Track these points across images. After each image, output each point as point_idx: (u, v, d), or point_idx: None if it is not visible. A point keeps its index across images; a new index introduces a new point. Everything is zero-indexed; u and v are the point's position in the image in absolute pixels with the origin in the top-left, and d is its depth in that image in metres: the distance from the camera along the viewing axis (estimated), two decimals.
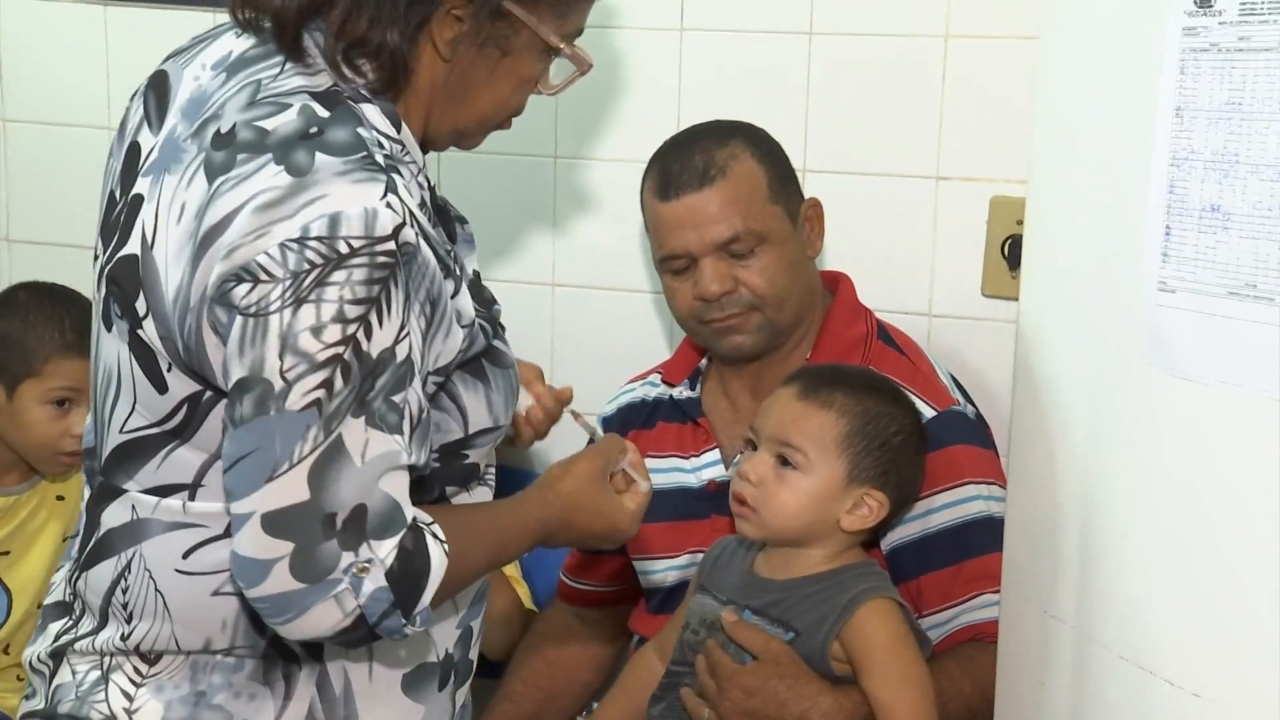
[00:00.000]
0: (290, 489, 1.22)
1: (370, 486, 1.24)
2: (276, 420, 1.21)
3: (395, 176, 1.27)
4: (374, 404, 1.24)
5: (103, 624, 1.40)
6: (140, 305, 1.33)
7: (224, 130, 1.30)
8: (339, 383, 1.22)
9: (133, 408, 1.36)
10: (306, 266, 1.21)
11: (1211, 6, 1.27)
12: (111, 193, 1.42)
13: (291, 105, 1.29)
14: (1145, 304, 1.34)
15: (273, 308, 1.21)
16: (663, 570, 2.01)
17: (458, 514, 1.41)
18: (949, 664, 1.79)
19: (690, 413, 2.04)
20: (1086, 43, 1.45)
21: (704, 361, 2.07)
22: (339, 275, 1.22)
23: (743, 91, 2.23)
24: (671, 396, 2.07)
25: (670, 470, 2.02)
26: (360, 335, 1.23)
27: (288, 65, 1.34)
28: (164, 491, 1.36)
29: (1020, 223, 1.70)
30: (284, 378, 1.21)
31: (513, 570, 2.29)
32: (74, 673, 1.42)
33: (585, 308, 2.36)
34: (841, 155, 2.23)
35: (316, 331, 1.21)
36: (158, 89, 1.43)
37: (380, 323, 1.24)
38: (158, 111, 1.41)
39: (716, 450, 2.02)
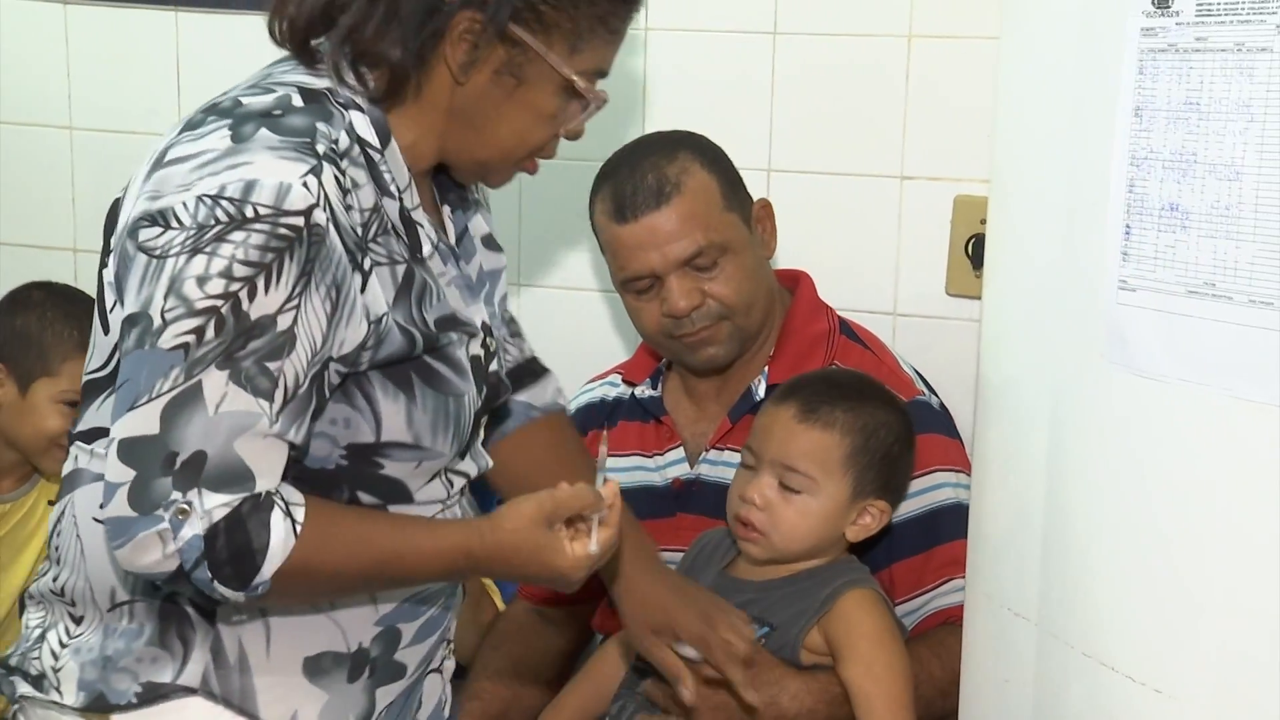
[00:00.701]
0: (144, 420, 1.28)
1: (216, 436, 1.28)
2: (148, 355, 1.28)
3: (329, 166, 1.32)
4: (242, 363, 1.29)
5: (47, 569, 1.50)
6: (111, 244, 1.40)
7: (217, 101, 1.39)
8: (210, 333, 1.28)
9: (92, 351, 1.45)
10: (212, 222, 1.28)
11: (1169, 7, 1.28)
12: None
13: (275, 91, 1.37)
14: (1106, 302, 1.35)
15: (172, 252, 1.29)
16: None
17: (349, 511, 1.42)
18: (918, 648, 1.81)
19: (653, 411, 2.05)
20: (1046, 43, 1.46)
21: (664, 361, 2.08)
22: (238, 235, 1.28)
23: (707, 91, 2.24)
24: (634, 395, 2.07)
25: (633, 469, 2.02)
26: (243, 295, 1.28)
27: (299, 65, 1.43)
28: (93, 436, 1.43)
29: (984, 222, 1.71)
30: (163, 317, 1.28)
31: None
32: (27, 624, 1.52)
33: (546, 308, 2.36)
34: (806, 155, 2.24)
35: (201, 281, 1.28)
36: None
37: (266, 289, 1.29)
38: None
39: (681, 448, 2.02)
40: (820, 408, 1.73)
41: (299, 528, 1.31)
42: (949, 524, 1.87)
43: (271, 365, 1.29)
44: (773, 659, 1.71)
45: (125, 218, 1.36)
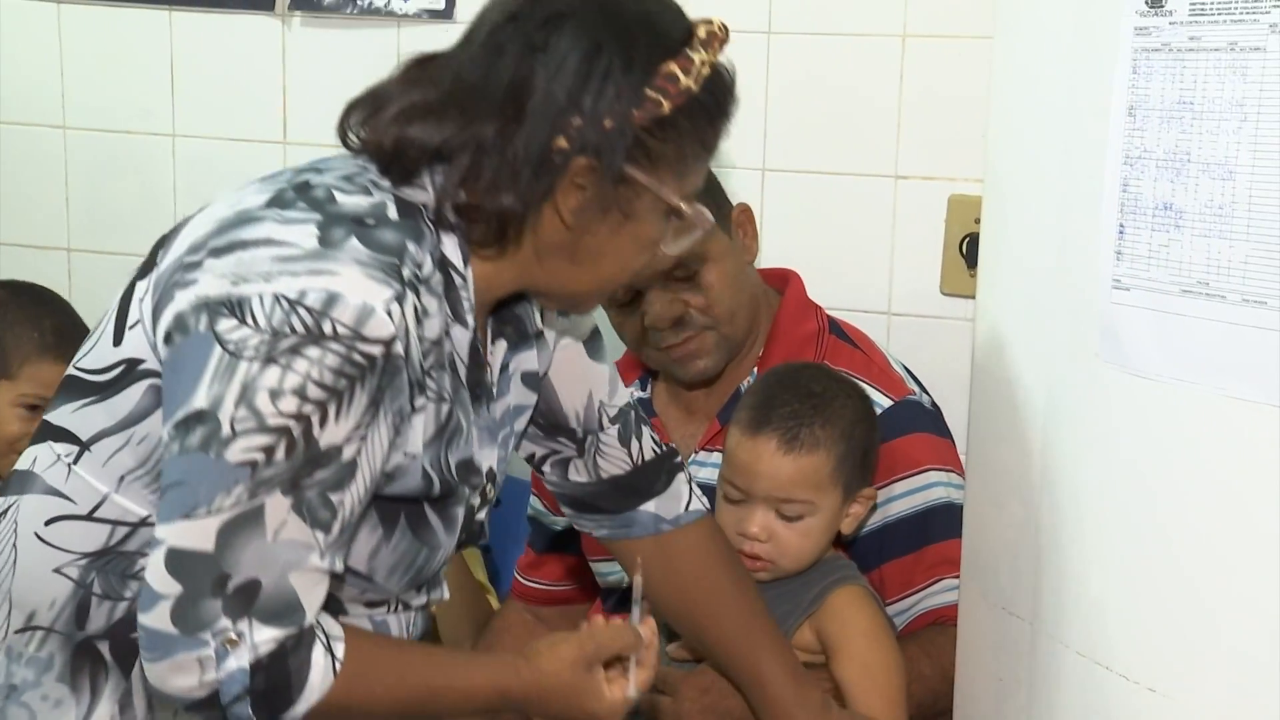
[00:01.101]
0: (199, 535, 1.23)
1: (272, 566, 1.24)
2: (213, 464, 1.23)
3: (411, 294, 1.28)
4: (307, 491, 1.25)
5: None
6: (155, 262, 1.35)
7: (311, 182, 1.33)
8: (279, 454, 1.23)
9: (90, 350, 1.39)
10: (288, 330, 1.23)
11: (1162, 7, 1.28)
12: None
13: (372, 196, 1.32)
14: (1100, 301, 1.35)
15: (245, 354, 1.23)
16: (619, 571, 2.01)
17: (387, 645, 1.39)
18: (909, 647, 1.80)
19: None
20: (1040, 43, 1.46)
21: None
22: (314, 352, 1.23)
23: None
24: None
25: None
26: (315, 419, 1.24)
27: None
28: (61, 435, 1.37)
29: (978, 221, 1.72)
30: (233, 426, 1.23)
31: (481, 575, 2.28)
32: None
33: None
34: (800, 154, 2.24)
35: (275, 396, 1.23)
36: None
37: (337, 417, 1.25)
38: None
39: None
40: (800, 432, 1.70)
41: (338, 665, 1.28)
42: (940, 523, 1.87)
43: (333, 497, 1.26)
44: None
45: (194, 277, 1.28)
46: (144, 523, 1.35)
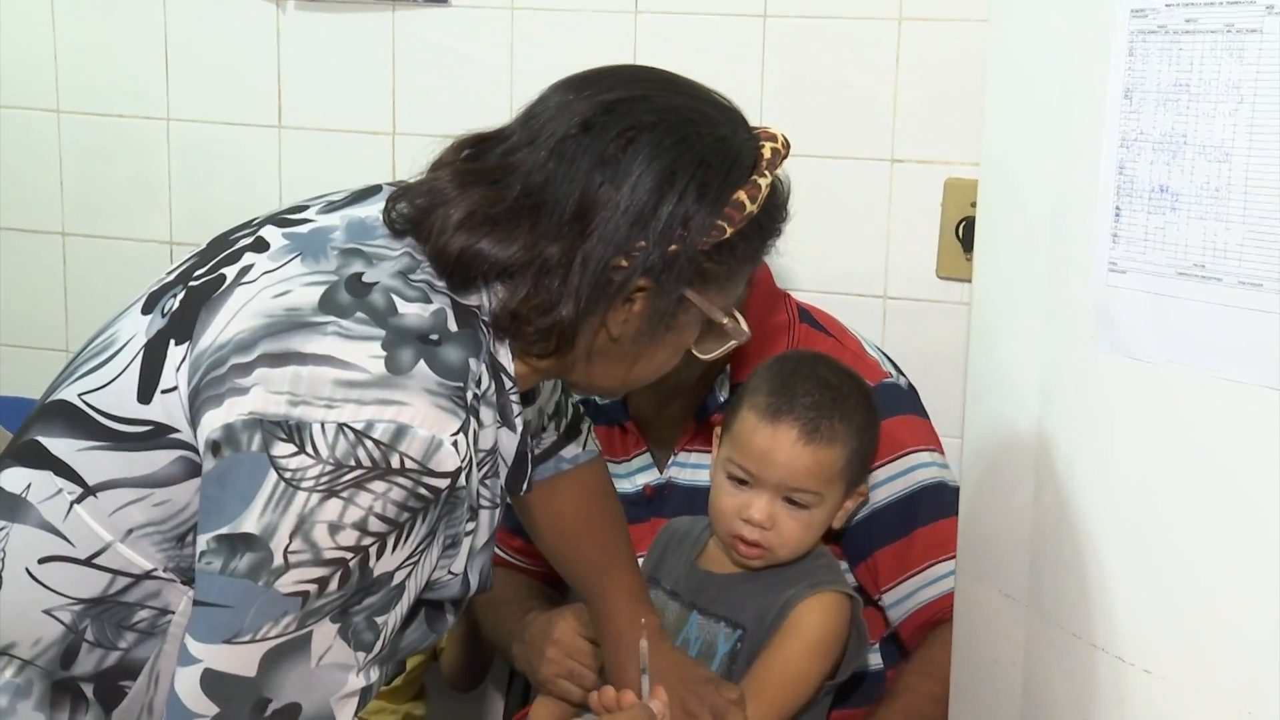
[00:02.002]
0: (241, 661, 1.21)
1: (314, 691, 1.23)
2: (261, 593, 1.20)
3: (474, 420, 1.26)
4: (354, 618, 1.24)
5: None
6: (193, 328, 1.29)
7: (366, 279, 1.27)
8: (333, 585, 1.21)
9: (105, 385, 1.32)
10: (352, 462, 1.19)
11: None
12: (250, 220, 1.40)
13: (432, 303, 1.28)
14: (1096, 284, 1.35)
15: (304, 484, 1.19)
16: None
17: None
18: (908, 678, 1.81)
19: (615, 417, 2.01)
20: (1036, 25, 1.46)
21: None
22: (378, 486, 1.20)
23: (697, 74, 2.23)
24: (595, 400, 2.02)
25: None
26: (373, 550, 1.22)
27: None
28: (63, 470, 1.30)
29: (974, 205, 1.71)
30: (286, 558, 1.19)
31: None
32: None
33: None
34: (795, 138, 2.21)
35: (334, 530, 1.20)
36: (362, 192, 1.42)
37: (394, 547, 1.23)
38: (339, 204, 1.40)
39: (647, 454, 2.00)
40: (821, 425, 1.69)
41: None
42: (928, 505, 1.86)
43: (379, 619, 1.25)
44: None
45: (226, 318, 1.25)
46: (149, 575, 1.30)
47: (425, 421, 1.21)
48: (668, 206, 1.30)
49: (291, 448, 1.19)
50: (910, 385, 1.98)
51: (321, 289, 1.26)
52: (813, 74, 2.21)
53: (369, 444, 1.20)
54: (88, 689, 1.33)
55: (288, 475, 1.19)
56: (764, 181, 1.36)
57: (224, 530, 1.21)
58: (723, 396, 1.93)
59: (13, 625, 1.32)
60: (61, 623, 1.31)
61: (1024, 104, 1.50)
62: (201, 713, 1.22)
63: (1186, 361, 1.28)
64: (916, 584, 1.86)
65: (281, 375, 1.21)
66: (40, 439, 1.33)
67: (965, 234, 2.16)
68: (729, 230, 1.33)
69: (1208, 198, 1.24)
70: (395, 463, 1.20)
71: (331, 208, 1.39)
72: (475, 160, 1.36)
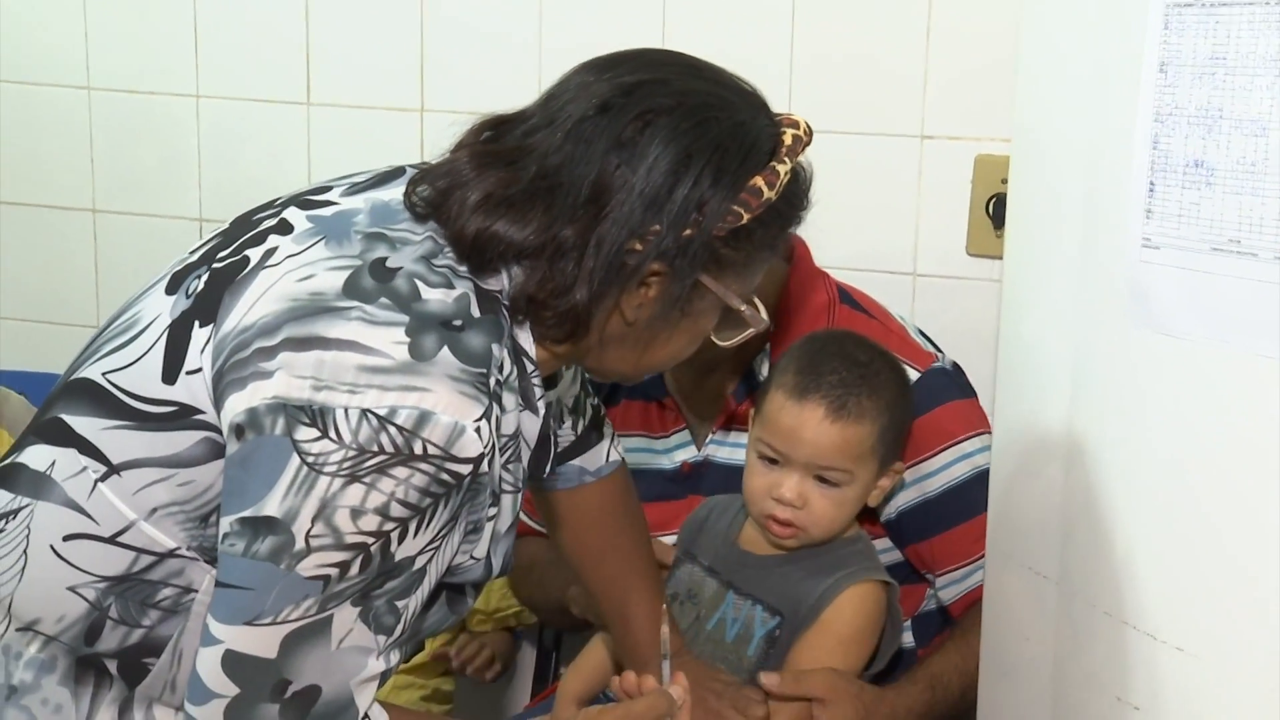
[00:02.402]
0: (262, 642, 1.22)
1: (333, 673, 1.24)
2: (283, 576, 1.20)
3: (496, 406, 1.25)
4: (375, 601, 1.24)
5: None
6: (217, 310, 1.28)
7: (390, 264, 1.27)
8: (354, 569, 1.21)
9: (129, 365, 1.32)
10: (375, 448, 1.19)
11: None
12: (272, 202, 1.40)
13: (455, 288, 1.27)
14: (1129, 261, 1.34)
15: (327, 469, 1.19)
16: None
17: None
18: (950, 655, 1.80)
19: (654, 393, 2.00)
20: None
21: None
22: (401, 472, 1.20)
23: (726, 50, 2.22)
24: None
25: (639, 450, 1.99)
26: (394, 535, 1.22)
27: None
28: (87, 449, 1.30)
29: (1005, 181, 1.70)
30: (308, 541, 1.20)
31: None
32: None
33: None
34: (826, 114, 2.20)
35: (355, 515, 1.20)
36: (385, 174, 1.41)
37: (416, 532, 1.23)
38: (363, 186, 1.39)
39: (686, 430, 1.99)
40: (848, 402, 1.68)
41: None
42: (984, 492, 1.85)
43: (400, 603, 1.25)
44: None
45: (249, 303, 1.24)
46: (172, 554, 1.30)
47: (448, 408, 1.21)
48: (683, 190, 1.29)
49: (315, 432, 1.19)
50: (955, 365, 1.97)
51: (346, 274, 1.26)
52: (842, 49, 2.20)
53: (392, 429, 1.19)
54: (111, 665, 1.34)
55: (310, 459, 1.19)
56: (783, 168, 1.34)
57: (247, 513, 1.21)
58: (763, 375, 1.92)
59: (37, 602, 1.32)
60: (86, 600, 1.31)
61: (1057, 78, 1.48)
62: (222, 693, 1.22)
63: (1220, 338, 1.27)
64: (974, 566, 1.85)
65: (305, 360, 1.21)
66: (64, 416, 1.33)
67: (996, 211, 2.15)
68: (745, 216, 1.32)
69: (1244, 172, 1.23)
70: (418, 449, 1.20)
71: (355, 190, 1.38)
72: (494, 142, 1.35)
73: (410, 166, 1.42)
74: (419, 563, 1.25)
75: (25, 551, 1.32)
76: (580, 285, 1.29)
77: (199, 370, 1.27)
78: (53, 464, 1.32)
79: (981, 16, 2.12)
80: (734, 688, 1.67)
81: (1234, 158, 1.23)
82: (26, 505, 1.32)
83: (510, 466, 1.34)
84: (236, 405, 1.23)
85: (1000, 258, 1.69)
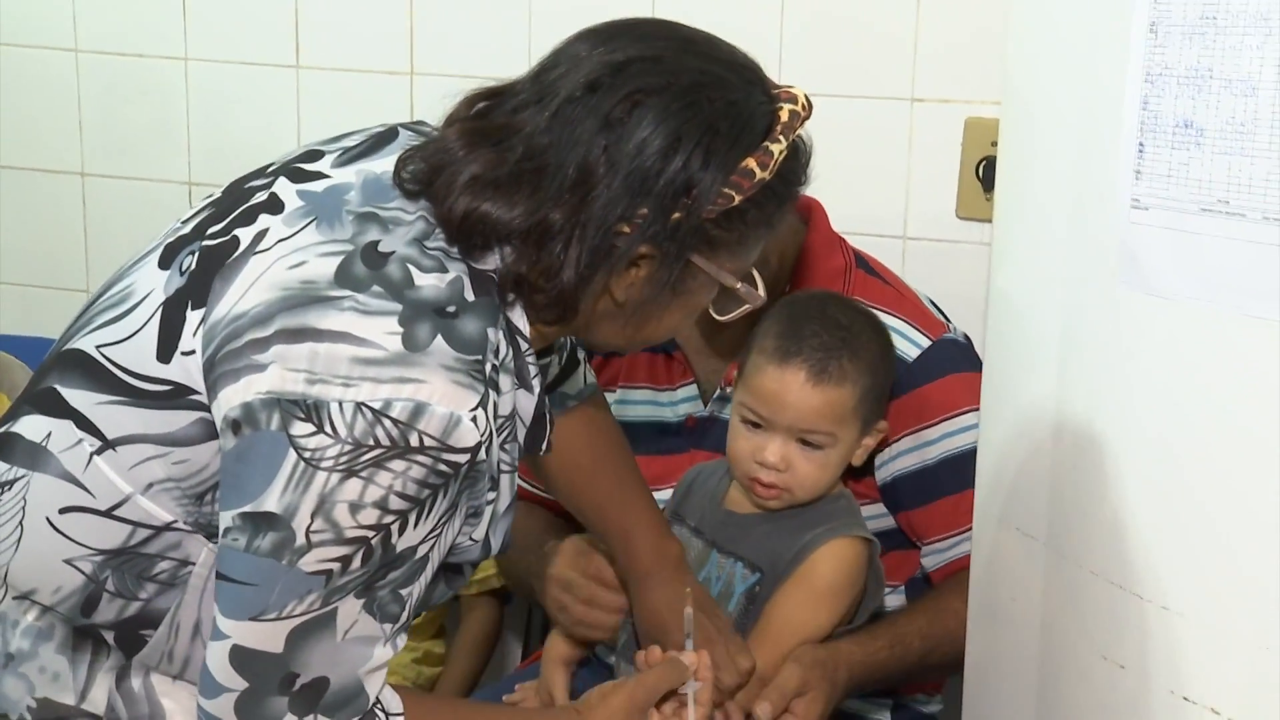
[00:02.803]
0: (268, 637, 1.22)
1: (340, 664, 1.24)
2: (285, 572, 1.20)
3: (492, 392, 1.24)
4: (379, 592, 1.24)
5: None
6: (208, 294, 1.27)
7: (382, 248, 1.25)
8: (356, 563, 1.21)
9: (123, 340, 1.30)
10: (371, 442, 1.18)
11: None
12: (264, 168, 1.38)
13: (448, 271, 1.25)
14: (1118, 222, 1.34)
15: (323, 464, 1.18)
16: None
17: (446, 714, 1.41)
18: (950, 599, 1.79)
19: (662, 344, 1.99)
20: None
21: None
22: (398, 465, 1.19)
23: (718, 15, 2.21)
24: None
25: (644, 403, 1.99)
26: (394, 528, 1.21)
27: None
28: (83, 423, 1.30)
29: (994, 144, 1.70)
30: (308, 537, 1.19)
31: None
32: None
33: None
34: (816, 77, 2.19)
35: (354, 509, 1.20)
36: (378, 138, 1.39)
37: (416, 523, 1.22)
38: (355, 155, 1.36)
39: (694, 384, 1.99)
40: (829, 365, 1.68)
41: None
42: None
43: (404, 591, 1.26)
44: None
45: (242, 289, 1.23)
46: (169, 528, 1.30)
47: (443, 398, 1.20)
48: (671, 173, 1.26)
49: (310, 427, 1.18)
50: (966, 337, 1.96)
51: (338, 260, 1.24)
52: (833, 12, 2.19)
53: (387, 423, 1.18)
54: (109, 636, 1.34)
55: (307, 455, 1.19)
56: (777, 147, 1.31)
57: (247, 508, 1.21)
58: None
59: (33, 573, 1.32)
60: (82, 573, 1.31)
61: (1047, 40, 1.48)
62: (232, 687, 1.23)
63: (1209, 298, 1.27)
64: (959, 539, 1.85)
65: (298, 352, 1.20)
66: (59, 387, 1.32)
67: (986, 174, 2.15)
68: (737, 198, 1.29)
69: (1233, 132, 1.23)
70: (414, 441, 1.19)
71: (347, 158, 1.36)
72: (484, 117, 1.32)
73: (402, 126, 1.40)
74: (420, 551, 1.25)
75: (21, 523, 1.32)
76: (567, 268, 1.27)
77: (193, 352, 1.26)
78: (48, 435, 1.31)
79: None
80: (727, 634, 1.66)
81: (1223, 118, 1.23)
82: (23, 477, 1.32)
83: (507, 446, 1.33)
84: (231, 399, 1.22)
85: (990, 221, 1.69)
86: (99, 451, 1.29)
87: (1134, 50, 1.31)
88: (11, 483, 1.32)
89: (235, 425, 1.22)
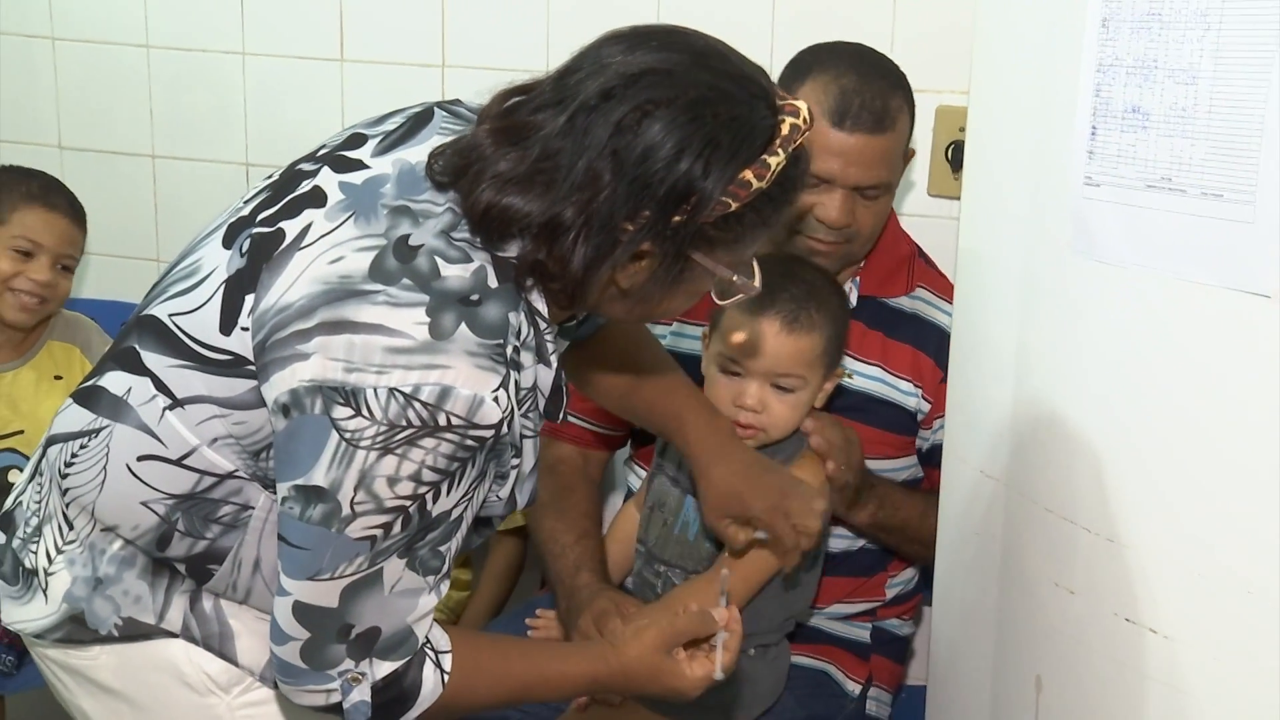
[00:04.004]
0: (324, 595, 1.24)
1: (390, 614, 1.27)
2: (335, 538, 1.22)
3: (513, 372, 1.24)
4: (419, 551, 1.26)
5: (43, 453, 1.40)
6: (257, 282, 1.26)
7: (413, 242, 1.24)
8: (397, 528, 1.23)
9: (192, 311, 1.31)
10: (404, 423, 1.19)
11: None
12: (315, 152, 1.37)
13: (474, 261, 1.24)
14: (1073, 197, 1.33)
15: (362, 444, 1.19)
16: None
17: (489, 648, 1.41)
18: (917, 501, 1.84)
19: None
20: None
21: None
22: (428, 442, 1.20)
23: (714, 11, 2.19)
24: None
25: (699, 338, 1.92)
26: (429, 497, 1.23)
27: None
28: (157, 383, 1.31)
29: (962, 129, 1.69)
30: (353, 508, 1.21)
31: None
32: (22, 501, 1.43)
33: None
34: None
35: (392, 482, 1.21)
36: (416, 121, 1.36)
37: (449, 490, 1.24)
38: (394, 141, 1.34)
39: None
40: (800, 315, 1.68)
41: (446, 677, 1.31)
42: None
43: (442, 548, 1.28)
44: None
45: (285, 284, 1.23)
46: (231, 475, 1.31)
47: (467, 382, 1.20)
48: (673, 180, 1.23)
49: (349, 411, 1.19)
50: None
51: (371, 255, 1.23)
52: (819, 8, 2.18)
53: (417, 405, 1.19)
54: (181, 568, 1.36)
55: (348, 435, 1.19)
56: (774, 160, 1.26)
57: (299, 481, 1.22)
58: (852, 303, 1.90)
59: (115, 511, 1.34)
60: (156, 514, 1.32)
61: (1011, 35, 1.47)
62: (296, 636, 1.26)
63: (1154, 266, 1.26)
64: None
65: (337, 343, 1.20)
66: (138, 348, 1.33)
67: (954, 156, 2.14)
68: (734, 205, 1.26)
69: (1175, 117, 1.22)
70: (442, 421, 1.19)
71: (386, 145, 1.34)
72: (511, 115, 1.29)
73: (437, 106, 1.39)
74: (454, 514, 1.26)
75: (105, 468, 1.33)
76: (576, 259, 1.25)
77: (248, 329, 1.27)
78: (129, 390, 1.32)
79: None
80: (792, 487, 1.65)
81: (1167, 104, 1.22)
82: (106, 426, 1.33)
83: (530, 415, 1.32)
84: (280, 384, 1.22)
85: (958, 198, 1.68)
86: (170, 408, 1.30)
87: (1087, 43, 1.30)
88: (98, 431, 1.34)
89: (285, 409, 1.22)
